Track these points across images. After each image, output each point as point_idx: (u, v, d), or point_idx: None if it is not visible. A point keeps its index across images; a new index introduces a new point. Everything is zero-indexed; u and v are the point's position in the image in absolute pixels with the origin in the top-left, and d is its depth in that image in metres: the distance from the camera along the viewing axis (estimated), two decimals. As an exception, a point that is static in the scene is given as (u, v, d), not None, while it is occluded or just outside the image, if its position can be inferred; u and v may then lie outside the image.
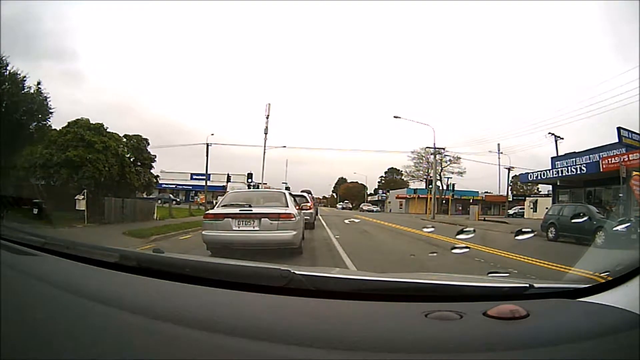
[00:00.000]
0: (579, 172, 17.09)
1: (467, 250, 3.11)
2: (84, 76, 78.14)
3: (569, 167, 17.98)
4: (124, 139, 14.73)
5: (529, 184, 24.67)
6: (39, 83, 15.28)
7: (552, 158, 21.61)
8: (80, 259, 1.30)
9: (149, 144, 16.15)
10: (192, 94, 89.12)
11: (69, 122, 13.88)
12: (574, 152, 20.08)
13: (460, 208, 42.54)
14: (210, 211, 6.67)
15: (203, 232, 6.03)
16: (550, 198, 28.17)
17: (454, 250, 3.28)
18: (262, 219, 5.84)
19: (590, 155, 17.79)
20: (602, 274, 1.13)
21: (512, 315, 0.84)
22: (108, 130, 13.94)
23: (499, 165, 32.45)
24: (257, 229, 5.81)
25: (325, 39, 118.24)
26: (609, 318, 0.85)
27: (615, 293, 0.94)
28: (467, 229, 2.87)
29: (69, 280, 1.13)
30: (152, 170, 16.66)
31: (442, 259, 5.91)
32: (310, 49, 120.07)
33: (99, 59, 70.77)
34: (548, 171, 19.52)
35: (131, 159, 15.01)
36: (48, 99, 15.32)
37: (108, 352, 0.76)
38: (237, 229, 5.82)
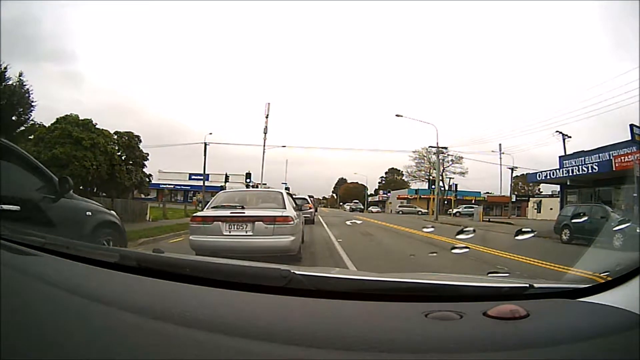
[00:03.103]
0: (590, 171, 16.56)
1: (467, 250, 3.09)
2: (83, 77, 78.29)
3: (580, 166, 17.46)
4: (115, 136, 14.09)
5: (537, 183, 23.75)
6: (20, 74, 14.63)
7: (560, 157, 21.14)
8: (80, 259, 1.29)
9: (140, 141, 15.60)
10: (191, 94, 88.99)
11: (57, 118, 13.36)
12: (583, 151, 19.61)
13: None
14: (198, 213, 6.11)
15: (190, 237, 5.50)
16: (555, 198, 27.67)
17: (454, 251, 3.22)
18: (256, 222, 5.21)
19: (601, 154, 17.28)
20: (602, 274, 1.10)
21: (512, 315, 0.83)
22: (97, 126, 13.33)
23: (500, 165, 32.06)
24: (250, 233, 5.20)
25: (325, 37, 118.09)
26: (609, 318, 0.85)
27: (615, 293, 0.93)
28: (468, 229, 2.80)
29: (69, 280, 1.12)
30: (144, 169, 16.03)
31: (456, 265, 5.54)
32: (310, 47, 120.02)
33: (98, 60, 71.02)
34: (557, 170, 19.00)
35: (122, 157, 14.36)
36: (30, 92, 14.64)
37: (108, 352, 0.74)
38: (228, 233, 5.21)
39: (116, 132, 14.63)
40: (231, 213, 5.36)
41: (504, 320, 0.82)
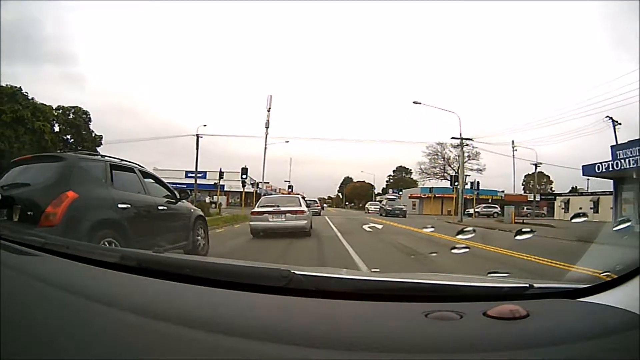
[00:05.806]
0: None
1: (470, 250, 2.91)
2: (85, 78, 76.88)
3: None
4: (57, 112, 10.92)
5: (599, 177, 19.29)
6: None
7: (612, 147, 17.37)
8: (80, 259, 1.30)
9: (90, 120, 12.32)
10: (192, 93, 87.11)
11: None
12: (638, 140, 16.14)
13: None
14: (255, 209, 10.82)
15: (250, 223, 10.45)
16: (585, 197, 23.86)
17: (453, 250, 2.93)
18: (287, 214, 10.24)
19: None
20: (602, 274, 1.10)
21: (512, 315, 0.83)
22: (33, 99, 10.18)
23: (513, 162, 29.18)
24: (284, 219, 10.20)
25: (330, 26, 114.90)
26: (609, 318, 0.84)
27: (615, 293, 0.93)
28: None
29: (69, 280, 1.11)
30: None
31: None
32: (314, 37, 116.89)
33: (97, 61, 69.43)
34: (618, 161, 15.32)
35: (64, 138, 11.16)
36: None
37: (108, 352, 0.75)
38: (272, 220, 10.20)
39: (59, 107, 11.47)
40: (273, 209, 10.36)
41: (504, 320, 0.81)
